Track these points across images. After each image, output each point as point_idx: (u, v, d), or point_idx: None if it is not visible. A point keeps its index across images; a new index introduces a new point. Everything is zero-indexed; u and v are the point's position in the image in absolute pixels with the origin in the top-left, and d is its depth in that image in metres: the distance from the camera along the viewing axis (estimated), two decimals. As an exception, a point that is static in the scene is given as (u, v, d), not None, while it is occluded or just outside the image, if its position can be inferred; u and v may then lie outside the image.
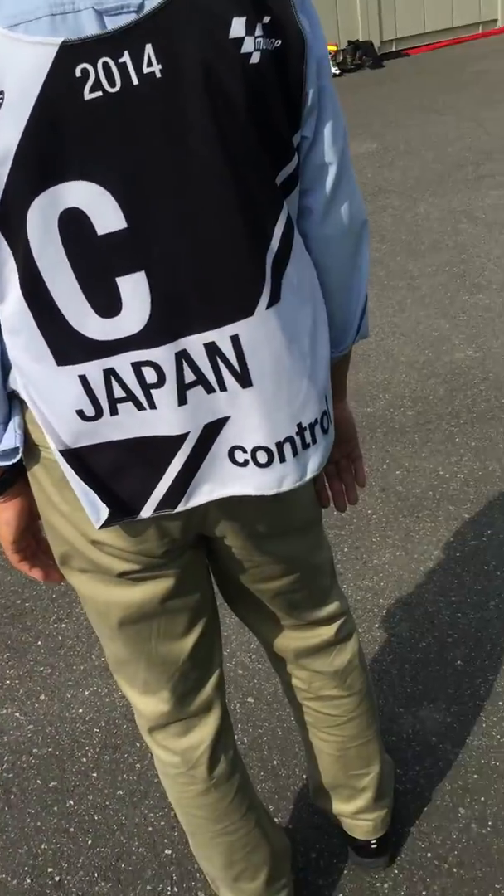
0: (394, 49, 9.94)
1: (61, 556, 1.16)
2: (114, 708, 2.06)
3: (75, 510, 1.08)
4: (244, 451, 1.03)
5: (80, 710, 2.07)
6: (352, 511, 2.58)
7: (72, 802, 1.86)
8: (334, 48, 9.14)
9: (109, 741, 1.98)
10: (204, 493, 1.05)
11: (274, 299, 0.96)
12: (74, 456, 1.01)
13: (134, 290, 0.92)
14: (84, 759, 1.94)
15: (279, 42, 0.89)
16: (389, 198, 5.20)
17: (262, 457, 1.03)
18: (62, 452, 1.01)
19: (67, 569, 1.18)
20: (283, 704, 1.99)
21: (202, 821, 1.37)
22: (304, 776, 1.82)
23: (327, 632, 1.36)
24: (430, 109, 7.28)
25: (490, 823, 1.68)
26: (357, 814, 1.56)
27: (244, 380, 0.97)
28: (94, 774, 1.91)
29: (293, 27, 0.90)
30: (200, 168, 0.89)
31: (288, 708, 1.97)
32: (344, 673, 1.41)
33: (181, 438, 1.00)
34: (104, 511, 1.03)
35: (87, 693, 2.11)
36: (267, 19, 0.88)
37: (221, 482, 1.05)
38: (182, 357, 0.96)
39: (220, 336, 0.95)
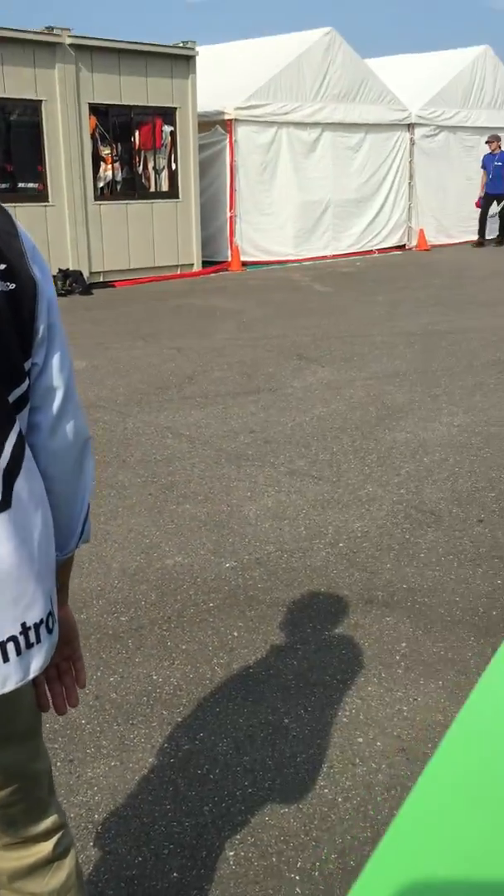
0: (102, 280, 10.81)
1: None
2: None
3: None
4: None
5: None
6: (65, 722, 2.51)
7: None
8: (45, 274, 9.78)
9: None
10: None
11: (4, 506, 1.02)
12: None
13: None
14: None
15: (13, 285, 1.03)
16: (100, 412, 5.47)
17: (-15, 657, 1.04)
18: None
19: None
20: None
21: None
22: None
23: (45, 848, 1.31)
24: (135, 335, 7.91)
25: None
26: None
27: None
28: None
29: (26, 274, 1.05)
30: None
31: None
32: (61, 893, 1.35)
33: None
34: None
35: None
36: (3, 266, 1.02)
37: None
38: None
39: None
